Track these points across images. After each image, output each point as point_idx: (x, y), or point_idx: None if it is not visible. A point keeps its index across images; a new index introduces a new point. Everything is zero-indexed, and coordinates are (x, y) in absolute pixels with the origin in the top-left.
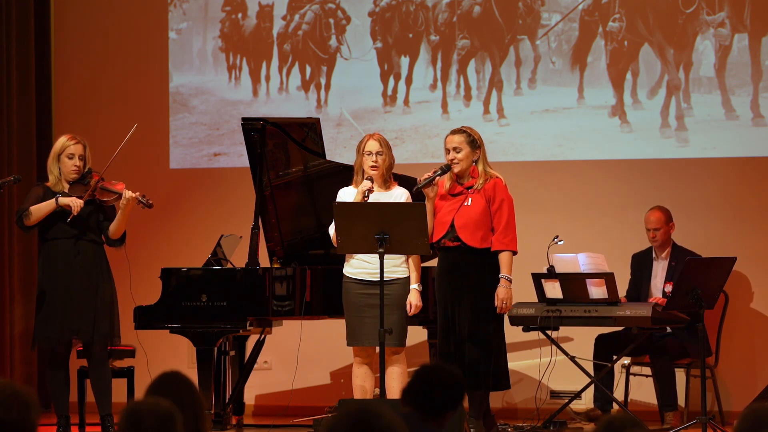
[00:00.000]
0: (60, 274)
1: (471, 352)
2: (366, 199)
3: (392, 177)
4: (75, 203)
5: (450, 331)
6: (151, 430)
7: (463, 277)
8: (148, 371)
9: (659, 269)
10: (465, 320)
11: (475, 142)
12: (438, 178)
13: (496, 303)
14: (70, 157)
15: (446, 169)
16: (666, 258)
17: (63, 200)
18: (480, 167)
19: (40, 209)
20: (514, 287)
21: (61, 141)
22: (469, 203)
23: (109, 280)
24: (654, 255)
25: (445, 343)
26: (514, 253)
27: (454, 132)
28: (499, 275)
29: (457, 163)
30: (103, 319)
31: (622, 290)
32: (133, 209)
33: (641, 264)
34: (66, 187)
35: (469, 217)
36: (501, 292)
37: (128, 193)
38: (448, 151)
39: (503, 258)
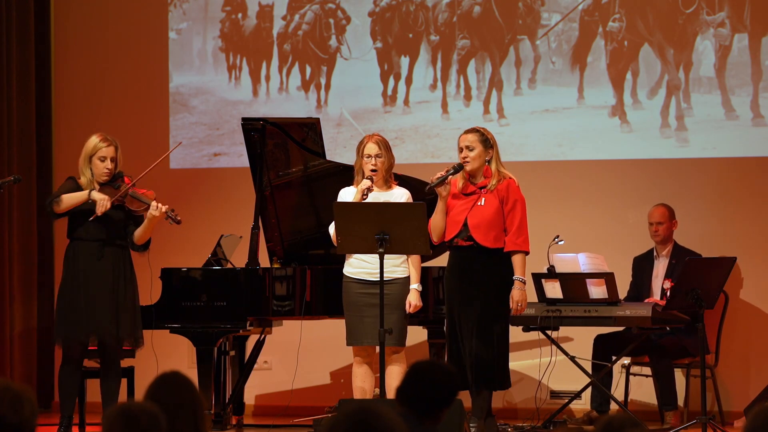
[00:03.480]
0: (83, 274)
1: (479, 351)
2: (365, 197)
3: (393, 177)
4: (102, 203)
5: (457, 330)
6: (146, 430)
7: (475, 277)
8: (160, 370)
9: (660, 267)
10: (474, 320)
11: (488, 142)
12: (450, 177)
13: (510, 305)
14: (102, 159)
15: (459, 168)
16: (667, 256)
17: (95, 195)
18: (493, 167)
19: (72, 197)
20: None
21: (93, 142)
22: (483, 203)
23: (132, 282)
24: (655, 253)
25: (452, 342)
26: (527, 253)
27: (467, 131)
28: (513, 277)
29: (469, 162)
30: (125, 321)
31: (622, 291)
32: (160, 222)
33: (642, 264)
34: (97, 188)
35: (483, 217)
36: (516, 294)
37: (158, 206)
38: (461, 149)
39: (516, 260)
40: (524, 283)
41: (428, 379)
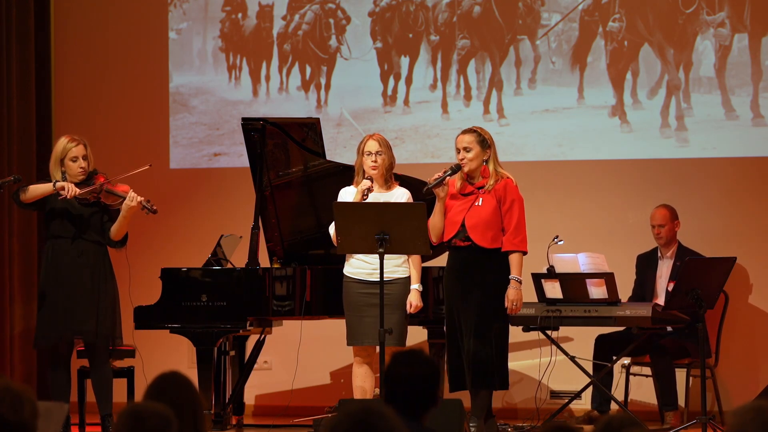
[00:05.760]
0: (62, 273)
1: (477, 351)
2: (365, 197)
3: (393, 177)
4: (69, 187)
5: (457, 330)
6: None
7: (473, 277)
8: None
9: (664, 268)
10: (472, 319)
11: (485, 142)
12: (448, 177)
13: (506, 304)
14: (74, 159)
15: (456, 168)
16: (671, 257)
17: (60, 183)
18: (491, 167)
19: (38, 188)
20: None
21: (62, 144)
22: (480, 203)
23: (111, 280)
24: (659, 254)
25: (451, 342)
26: (524, 253)
27: (464, 132)
28: (510, 276)
29: (467, 163)
30: (105, 319)
31: (624, 291)
32: (136, 213)
33: (646, 263)
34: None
35: (480, 217)
36: (511, 293)
37: (133, 197)
38: (458, 150)
39: (513, 259)
40: (520, 282)
41: (408, 383)
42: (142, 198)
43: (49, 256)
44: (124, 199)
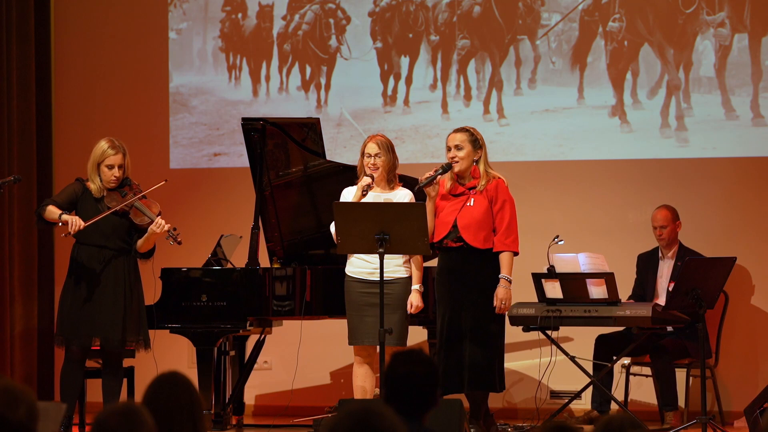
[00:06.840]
0: (87, 277)
1: (472, 352)
2: (365, 194)
3: (397, 178)
4: (74, 224)
5: (450, 332)
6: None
7: (465, 278)
8: (159, 370)
9: (665, 268)
10: (467, 321)
11: (477, 142)
12: (439, 177)
13: (495, 303)
14: (110, 167)
15: (447, 168)
16: (672, 257)
17: (65, 217)
18: (481, 167)
19: (52, 212)
20: (515, 287)
21: (101, 148)
22: (472, 204)
23: (136, 286)
24: (660, 254)
25: (444, 343)
26: (516, 253)
27: (456, 130)
28: (499, 275)
29: (458, 162)
30: (127, 325)
31: (624, 290)
32: (161, 238)
33: (647, 263)
34: (106, 193)
35: (472, 217)
36: (500, 292)
37: (160, 225)
38: (449, 148)
39: (504, 258)
40: (510, 281)
41: (407, 384)
42: (169, 226)
43: (75, 258)
44: (152, 221)
